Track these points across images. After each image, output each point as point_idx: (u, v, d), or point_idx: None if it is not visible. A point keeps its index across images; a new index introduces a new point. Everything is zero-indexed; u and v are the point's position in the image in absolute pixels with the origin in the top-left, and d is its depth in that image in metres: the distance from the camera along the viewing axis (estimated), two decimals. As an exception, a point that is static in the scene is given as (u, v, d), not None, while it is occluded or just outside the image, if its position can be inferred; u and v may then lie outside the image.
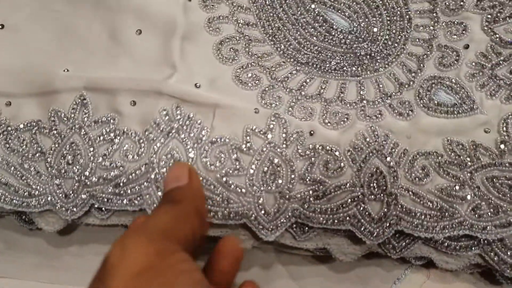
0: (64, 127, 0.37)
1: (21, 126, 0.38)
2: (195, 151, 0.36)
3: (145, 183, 0.36)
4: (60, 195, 0.36)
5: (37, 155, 0.37)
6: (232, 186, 0.36)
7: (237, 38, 0.41)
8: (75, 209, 0.36)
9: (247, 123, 0.37)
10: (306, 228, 0.37)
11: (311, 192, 0.36)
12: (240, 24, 0.42)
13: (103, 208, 0.37)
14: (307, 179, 0.36)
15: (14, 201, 0.36)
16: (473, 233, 0.35)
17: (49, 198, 0.36)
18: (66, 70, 0.39)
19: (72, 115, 0.37)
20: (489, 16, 0.41)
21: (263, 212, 0.35)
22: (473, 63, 0.40)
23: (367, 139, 0.37)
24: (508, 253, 0.36)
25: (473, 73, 0.40)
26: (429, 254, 0.37)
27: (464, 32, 0.41)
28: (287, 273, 0.41)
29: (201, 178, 0.36)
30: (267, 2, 0.43)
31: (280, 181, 0.36)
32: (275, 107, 0.39)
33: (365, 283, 0.40)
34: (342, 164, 0.36)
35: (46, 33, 0.41)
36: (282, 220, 0.36)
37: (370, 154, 0.36)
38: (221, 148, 0.37)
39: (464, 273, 0.40)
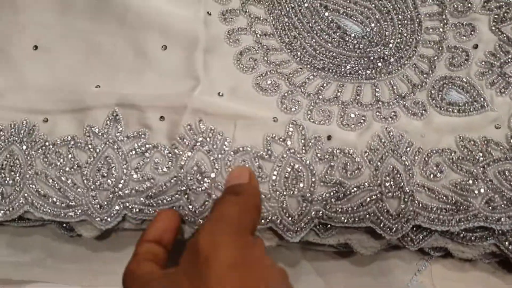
0: (98, 141, 0.40)
1: (58, 141, 0.40)
2: (220, 161, 0.39)
3: (176, 195, 0.38)
4: (96, 206, 0.39)
5: (74, 168, 0.40)
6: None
7: (255, 48, 0.45)
8: (109, 219, 0.39)
9: (267, 131, 0.40)
10: (329, 225, 0.40)
11: (332, 193, 0.38)
12: (258, 35, 0.45)
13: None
14: (328, 182, 0.39)
15: (53, 212, 0.39)
16: (488, 225, 0.38)
17: (85, 209, 0.39)
18: (97, 86, 0.42)
19: (106, 130, 0.41)
20: (496, 16, 0.44)
21: (287, 215, 0.38)
22: (483, 62, 0.43)
23: (383, 140, 0.40)
24: None
25: (483, 72, 0.43)
26: (445, 244, 0.40)
27: (472, 32, 0.44)
28: (312, 269, 0.44)
29: (221, 186, 0.39)
30: (282, 13, 0.46)
31: (301, 185, 0.38)
32: (294, 111, 0.42)
33: (387, 275, 0.43)
34: (360, 166, 0.39)
35: (75, 52, 0.44)
36: (305, 222, 0.38)
37: (386, 154, 0.39)
38: (244, 157, 0.39)
39: (482, 263, 0.42)
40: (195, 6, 0.45)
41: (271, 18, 0.46)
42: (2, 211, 0.39)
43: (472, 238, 0.39)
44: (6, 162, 0.40)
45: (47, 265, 0.44)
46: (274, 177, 0.39)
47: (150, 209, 0.39)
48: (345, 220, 0.38)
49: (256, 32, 0.45)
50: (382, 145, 0.40)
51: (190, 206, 0.38)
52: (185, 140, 0.40)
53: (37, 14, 0.45)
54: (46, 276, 0.43)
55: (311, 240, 0.41)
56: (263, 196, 0.38)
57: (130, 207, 0.39)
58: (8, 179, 0.39)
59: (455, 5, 0.46)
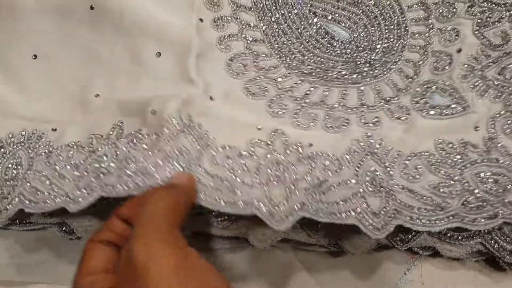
0: (98, 145, 0.43)
1: (63, 146, 0.44)
2: (203, 152, 0.41)
3: (153, 164, 0.39)
4: (75, 189, 0.40)
5: (69, 165, 0.42)
6: (240, 182, 0.40)
7: (246, 54, 0.48)
8: (81, 200, 0.40)
9: (251, 136, 0.43)
10: (319, 226, 0.42)
11: (315, 189, 0.40)
12: (248, 41, 0.49)
13: None
14: (310, 179, 0.40)
15: (36, 206, 0.41)
16: (464, 225, 0.40)
17: (63, 197, 0.40)
18: (97, 95, 0.46)
19: (109, 136, 0.43)
20: (479, 21, 0.47)
21: (272, 203, 0.39)
22: (465, 65, 0.46)
23: (362, 144, 0.43)
24: (507, 240, 0.41)
25: (465, 75, 0.46)
26: (434, 244, 0.43)
27: (457, 37, 0.47)
28: (304, 268, 0.46)
29: (209, 176, 0.39)
30: (272, 19, 0.49)
31: (286, 180, 0.40)
32: (281, 115, 0.45)
33: (377, 274, 0.45)
34: (340, 165, 0.42)
35: (73, 59, 0.47)
36: (290, 212, 0.38)
37: (366, 156, 0.42)
38: (228, 153, 0.41)
39: (470, 261, 0.45)
40: (188, 14, 0.48)
41: (261, 24, 0.49)
42: (3, 210, 0.42)
43: (459, 237, 0.42)
44: (11, 165, 0.44)
45: (48, 267, 0.46)
46: (258, 172, 0.40)
47: (129, 185, 0.39)
48: (330, 216, 0.39)
49: (247, 38, 0.49)
50: (361, 148, 0.43)
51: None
52: (169, 129, 0.41)
53: (36, 23, 0.48)
54: (47, 278, 0.46)
55: (303, 240, 0.43)
56: (247, 185, 0.39)
57: (107, 187, 0.39)
58: (9, 180, 0.43)
59: (441, 10, 0.48)
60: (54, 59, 0.48)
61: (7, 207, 0.42)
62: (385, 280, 0.45)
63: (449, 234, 0.42)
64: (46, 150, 0.44)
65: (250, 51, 0.48)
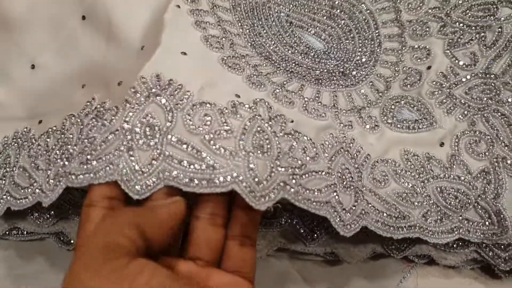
0: (69, 124, 0.41)
1: (41, 135, 0.43)
2: (176, 113, 0.37)
3: (115, 152, 0.36)
4: (46, 181, 0.39)
5: (43, 153, 0.41)
6: (220, 149, 0.36)
7: (222, 38, 0.46)
8: (50, 193, 0.38)
9: (230, 99, 0.39)
10: (315, 235, 0.43)
11: (295, 169, 0.37)
12: (225, 30, 0.48)
13: None
14: (291, 158, 0.38)
15: (17, 202, 0.40)
16: (423, 237, 0.41)
17: (37, 191, 0.39)
18: (83, 86, 0.47)
19: (80, 114, 0.41)
20: (450, 41, 0.49)
21: (253, 176, 0.35)
22: (434, 82, 0.47)
23: (336, 138, 0.42)
24: (502, 247, 0.43)
25: (433, 91, 0.47)
26: (429, 252, 0.44)
27: (428, 56, 0.49)
28: (300, 277, 0.47)
29: (184, 146, 0.36)
30: (249, 22, 0.50)
31: (269, 153, 0.37)
32: (259, 89, 0.43)
33: (373, 283, 0.47)
34: (317, 153, 0.40)
35: (71, 67, 0.48)
36: (272, 188, 0.35)
37: (339, 152, 0.41)
38: (207, 111, 0.37)
39: (465, 269, 0.46)
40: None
41: (239, 24, 0.49)
42: None
43: (454, 245, 0.44)
44: (2, 165, 0.44)
45: (46, 277, 0.47)
46: (241, 135, 0.37)
47: (90, 175, 0.35)
48: (306, 202, 0.37)
49: (224, 29, 0.48)
50: (336, 142, 0.42)
51: (134, 164, 0.35)
52: (137, 93, 0.37)
53: (30, 34, 0.49)
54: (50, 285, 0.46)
55: (299, 250, 0.44)
56: (228, 153, 0.35)
57: (71, 176, 0.36)
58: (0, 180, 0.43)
59: (414, 28, 0.50)
60: (51, 69, 0.49)
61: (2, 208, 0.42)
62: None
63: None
64: (29, 144, 0.44)
65: (227, 38, 0.47)
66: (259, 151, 0.36)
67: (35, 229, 0.45)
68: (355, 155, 0.43)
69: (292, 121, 0.41)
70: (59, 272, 0.47)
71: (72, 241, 0.45)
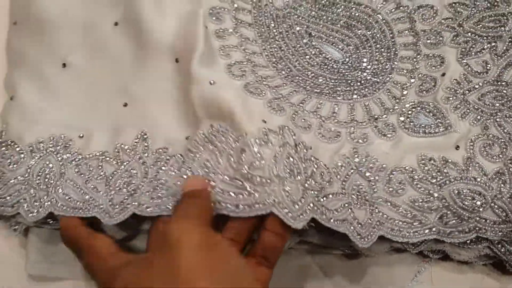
0: (126, 157, 0.48)
1: (90, 155, 0.49)
2: (223, 156, 0.45)
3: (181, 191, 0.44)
4: (109, 204, 0.46)
5: (100, 177, 0.48)
6: (257, 178, 0.42)
7: (244, 62, 0.52)
8: (116, 216, 0.45)
9: (260, 126, 0.45)
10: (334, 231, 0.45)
11: (317, 192, 0.44)
12: (247, 53, 0.52)
13: None
14: (313, 182, 0.44)
15: (70, 211, 0.46)
16: (440, 238, 0.45)
17: (98, 208, 0.46)
18: (125, 105, 0.50)
19: (134, 147, 0.49)
20: (463, 49, 0.52)
21: (289, 199, 0.41)
22: (448, 88, 0.50)
23: (348, 159, 0.47)
24: None
25: (448, 97, 0.50)
26: (443, 247, 0.47)
27: (442, 63, 0.52)
28: (320, 271, 0.50)
29: (230, 180, 0.43)
30: (270, 36, 0.54)
31: (299, 177, 0.43)
32: (281, 114, 0.48)
33: (389, 277, 0.49)
34: (331, 177, 0.46)
35: (101, 70, 0.52)
36: (305, 209, 0.42)
37: (351, 171, 0.47)
38: (243, 146, 0.44)
39: (478, 264, 0.48)
40: (196, 22, 0.50)
41: (260, 40, 0.54)
42: (34, 213, 0.46)
43: (468, 241, 0.45)
44: (42, 170, 0.48)
45: (77, 264, 0.48)
46: (274, 162, 0.43)
47: (161, 208, 0.44)
48: (328, 220, 0.43)
49: (246, 51, 0.52)
50: (348, 163, 0.47)
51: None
52: (197, 142, 0.46)
53: (63, 35, 0.52)
54: (76, 274, 0.50)
55: (320, 243, 0.47)
56: (264, 180, 0.42)
57: (141, 206, 0.45)
58: (42, 185, 0.47)
59: (428, 37, 0.53)
60: (82, 68, 0.52)
61: (39, 210, 0.46)
62: (397, 282, 0.50)
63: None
64: (75, 158, 0.49)
65: (248, 61, 0.52)
66: (291, 176, 0.43)
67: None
68: (369, 169, 0.47)
69: (311, 148, 0.47)
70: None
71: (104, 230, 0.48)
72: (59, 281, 0.50)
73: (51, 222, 0.48)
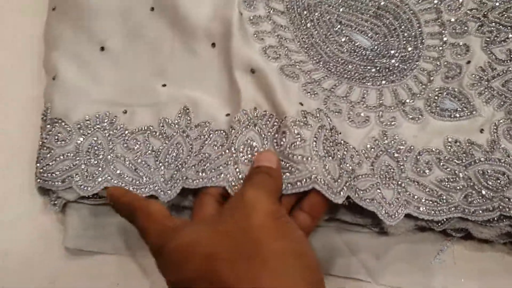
0: (170, 131, 0.51)
1: (136, 130, 0.52)
2: (268, 138, 0.48)
3: (224, 164, 0.47)
4: (162, 181, 0.49)
5: (148, 152, 0.50)
6: (298, 157, 0.45)
7: (278, 47, 0.55)
8: (169, 192, 0.48)
9: (299, 108, 0.49)
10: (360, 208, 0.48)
11: (350, 173, 0.47)
12: (280, 39, 0.55)
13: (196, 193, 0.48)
14: (344, 163, 0.47)
15: (127, 188, 0.48)
16: (464, 216, 0.47)
17: (154, 186, 0.49)
18: (164, 85, 0.53)
19: (177, 122, 0.51)
20: (487, 39, 0.54)
21: (330, 176, 0.44)
22: (473, 75, 0.53)
23: (377, 141, 0.50)
24: None
25: (473, 83, 0.53)
26: (466, 226, 0.48)
27: (467, 52, 0.54)
28: (346, 248, 0.51)
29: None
30: (302, 23, 0.57)
31: (335, 158, 0.46)
32: (314, 97, 0.52)
33: (413, 254, 0.51)
34: (360, 159, 0.49)
35: (138, 53, 0.54)
36: (344, 185, 0.45)
37: (380, 152, 0.49)
38: (284, 128, 0.47)
39: (498, 243, 0.50)
40: (231, 8, 0.53)
41: (292, 27, 0.56)
42: (87, 187, 0.49)
43: (490, 219, 0.47)
44: (91, 146, 0.50)
45: (114, 239, 0.52)
46: (314, 143, 0.46)
47: (205, 180, 0.47)
48: (359, 199, 0.46)
49: (279, 36, 0.55)
50: (377, 144, 0.50)
51: (238, 174, 0.46)
52: (240, 120, 0.49)
53: (100, 21, 0.55)
54: (112, 249, 0.52)
55: (348, 220, 0.49)
56: (305, 159, 0.45)
57: (188, 180, 0.47)
58: (92, 160, 0.50)
59: (454, 27, 0.56)
60: (120, 52, 0.55)
61: (93, 184, 0.49)
62: (420, 259, 0.51)
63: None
64: (122, 133, 0.51)
65: (282, 46, 0.55)
66: (329, 156, 0.46)
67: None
68: (398, 150, 0.50)
69: (340, 133, 0.50)
70: (124, 236, 0.53)
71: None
72: (95, 254, 0.53)
73: (90, 197, 0.51)
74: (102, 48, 0.55)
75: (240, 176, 0.46)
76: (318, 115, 0.49)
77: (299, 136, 0.46)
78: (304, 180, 0.44)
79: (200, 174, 0.48)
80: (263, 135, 0.49)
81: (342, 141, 0.49)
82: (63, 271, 0.52)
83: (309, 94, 0.52)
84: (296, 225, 0.41)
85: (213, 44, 0.53)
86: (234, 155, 0.48)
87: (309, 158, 0.45)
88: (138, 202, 0.43)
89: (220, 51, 0.52)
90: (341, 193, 0.44)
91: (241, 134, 0.49)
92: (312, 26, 0.57)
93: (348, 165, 0.48)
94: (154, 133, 0.51)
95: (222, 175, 0.47)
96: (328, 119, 0.50)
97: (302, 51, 0.56)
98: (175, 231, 0.39)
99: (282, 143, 0.47)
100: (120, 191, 0.45)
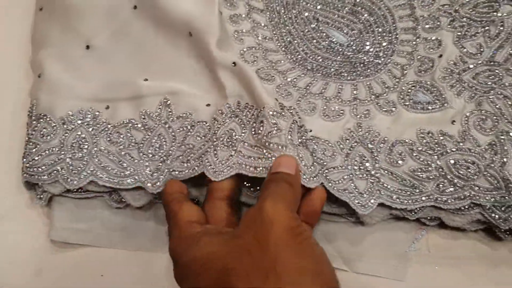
0: (152, 123, 0.53)
1: (118, 123, 0.53)
2: (247, 127, 0.50)
3: (206, 153, 0.49)
4: (148, 173, 0.51)
5: (131, 144, 0.52)
6: (274, 145, 0.47)
7: (256, 48, 0.57)
8: (158, 183, 0.50)
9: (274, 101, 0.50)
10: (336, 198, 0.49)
11: (322, 166, 0.49)
12: (259, 38, 0.57)
13: None
14: (316, 157, 0.50)
15: (113, 181, 0.50)
16: (437, 205, 0.49)
17: (139, 177, 0.50)
18: (145, 80, 0.54)
19: (158, 113, 0.53)
20: (459, 33, 0.56)
21: (303, 163, 0.47)
22: (445, 68, 0.54)
23: (352, 132, 0.52)
24: (502, 209, 0.48)
25: (444, 76, 0.54)
26: (439, 214, 0.50)
27: (439, 46, 0.56)
28: (323, 237, 0.53)
29: (251, 147, 0.48)
30: (281, 21, 0.58)
31: (308, 149, 0.49)
32: (287, 98, 0.54)
33: (388, 243, 0.52)
34: (334, 152, 0.51)
35: (123, 50, 0.56)
36: (316, 172, 0.47)
37: (355, 144, 0.51)
38: (262, 118, 0.49)
39: (470, 231, 0.51)
40: (211, 6, 0.54)
41: (271, 25, 0.58)
42: (73, 181, 0.50)
43: (462, 207, 0.49)
44: (75, 141, 0.52)
45: (98, 232, 0.54)
46: (290, 132, 0.48)
47: (190, 170, 0.49)
48: (332, 190, 0.48)
49: (257, 35, 0.57)
50: (352, 136, 0.52)
51: (215, 159, 0.48)
52: (223, 114, 0.51)
53: (86, 20, 0.56)
54: (97, 241, 0.54)
55: (324, 210, 0.51)
56: (280, 147, 0.47)
57: (174, 171, 0.50)
58: (77, 154, 0.51)
59: (427, 22, 0.57)
60: (105, 50, 0.56)
61: (79, 178, 0.51)
62: (395, 248, 0.53)
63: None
64: (105, 128, 0.53)
65: (260, 46, 0.57)
66: (304, 145, 0.49)
67: (92, 188, 0.52)
68: (372, 142, 0.51)
69: (311, 130, 0.52)
70: (109, 229, 0.54)
71: (123, 200, 0.52)
72: (80, 247, 0.54)
73: (75, 191, 0.52)
74: (88, 47, 0.56)
75: (217, 161, 0.48)
76: (291, 111, 0.51)
77: (276, 125, 0.48)
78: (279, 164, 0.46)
79: (185, 164, 0.50)
80: (243, 125, 0.50)
81: (311, 137, 0.51)
82: (49, 263, 0.54)
83: (282, 96, 0.54)
84: (315, 240, 0.40)
85: (190, 33, 0.54)
86: (214, 143, 0.49)
87: (284, 147, 0.47)
88: (173, 206, 0.44)
89: (199, 45, 0.54)
90: (315, 178, 0.47)
91: (223, 125, 0.51)
92: (290, 24, 0.58)
93: (319, 158, 0.50)
94: (136, 125, 0.53)
95: (203, 162, 0.48)
96: (299, 118, 0.52)
97: (280, 49, 0.57)
98: (193, 240, 0.40)
99: (259, 131, 0.48)
100: (170, 188, 0.47)
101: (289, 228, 0.37)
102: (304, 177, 0.46)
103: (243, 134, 0.50)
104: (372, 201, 0.49)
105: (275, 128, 0.48)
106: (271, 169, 0.45)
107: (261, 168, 0.47)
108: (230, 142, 0.49)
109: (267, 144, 0.48)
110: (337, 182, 0.49)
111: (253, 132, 0.49)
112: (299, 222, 0.39)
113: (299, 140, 0.49)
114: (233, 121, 0.51)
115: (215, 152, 0.49)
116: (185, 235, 0.41)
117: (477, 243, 0.52)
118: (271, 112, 0.49)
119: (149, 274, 0.54)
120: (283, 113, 0.50)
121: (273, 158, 0.47)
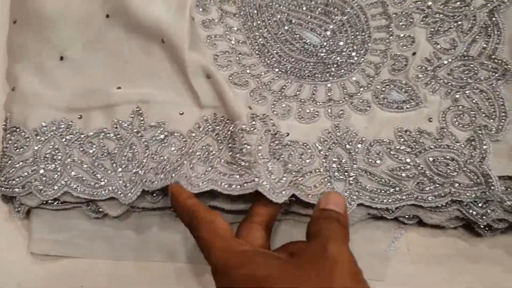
0: (124, 132, 0.52)
1: (91, 133, 0.53)
2: (224, 143, 0.50)
3: (182, 165, 0.48)
4: (121, 184, 0.50)
5: (104, 154, 0.52)
6: (245, 162, 0.47)
7: (229, 52, 0.56)
8: (130, 194, 0.50)
9: (248, 111, 0.51)
10: None
11: (297, 173, 0.49)
12: (232, 42, 0.57)
13: (154, 194, 0.51)
14: (291, 164, 0.50)
15: (87, 191, 0.51)
16: (417, 203, 0.48)
17: (113, 188, 0.50)
18: (118, 88, 0.54)
19: (130, 122, 0.53)
20: (432, 29, 0.55)
21: (273, 178, 0.47)
22: (419, 66, 0.54)
23: (330, 133, 0.51)
24: (479, 205, 0.48)
25: (418, 75, 0.54)
26: (417, 212, 0.50)
27: (412, 43, 0.55)
28: (303, 238, 0.50)
29: (227, 164, 0.49)
30: (254, 24, 0.58)
31: (280, 160, 0.49)
32: (262, 103, 0.53)
33: (367, 243, 0.52)
34: (312, 154, 0.50)
35: (97, 59, 0.55)
36: (286, 186, 0.47)
37: (333, 145, 0.51)
38: (233, 135, 0.49)
39: (449, 228, 0.51)
40: (183, 12, 0.54)
41: (244, 29, 0.58)
42: (47, 192, 0.50)
43: (439, 205, 0.49)
44: (48, 152, 0.52)
45: (78, 242, 0.54)
46: (260, 147, 0.48)
47: (163, 181, 0.48)
48: (307, 198, 0.48)
49: (231, 40, 0.57)
50: (330, 137, 0.51)
51: (191, 172, 0.48)
52: (200, 128, 0.52)
53: (60, 31, 0.55)
54: (77, 252, 0.54)
55: (302, 213, 0.51)
56: (251, 164, 0.47)
57: (147, 182, 0.49)
58: (50, 165, 0.51)
59: (400, 20, 0.57)
60: (79, 60, 0.56)
61: (53, 189, 0.51)
62: (374, 248, 0.53)
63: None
64: (77, 138, 0.53)
65: (233, 50, 0.57)
66: (275, 158, 0.49)
67: (70, 199, 0.52)
68: (350, 141, 0.51)
69: (288, 134, 0.52)
70: (88, 239, 0.54)
71: (100, 210, 0.52)
72: (60, 258, 0.54)
73: (52, 203, 0.52)
74: (62, 58, 0.56)
75: (193, 174, 0.48)
76: (264, 119, 0.51)
77: (245, 143, 0.48)
78: (250, 183, 0.46)
79: (159, 175, 0.49)
80: (219, 140, 0.51)
81: (289, 142, 0.51)
82: (29, 276, 0.54)
83: (256, 101, 0.54)
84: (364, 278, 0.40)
85: (162, 40, 0.54)
86: (191, 157, 0.49)
87: (254, 163, 0.47)
88: (204, 212, 0.43)
89: (172, 51, 0.53)
90: (283, 192, 0.47)
91: (200, 140, 0.51)
92: (263, 26, 0.58)
93: (296, 165, 0.50)
94: (108, 135, 0.53)
95: (178, 173, 0.48)
96: (273, 125, 0.51)
97: (254, 53, 0.57)
98: (244, 256, 0.39)
99: (233, 149, 0.49)
100: (182, 192, 0.46)
101: (354, 272, 0.38)
102: (272, 192, 0.46)
103: (220, 150, 0.50)
104: (351, 203, 0.49)
105: (246, 146, 0.48)
106: (319, 204, 0.44)
107: (235, 186, 0.47)
108: (207, 158, 0.50)
109: (239, 161, 0.48)
110: (313, 187, 0.49)
111: (229, 149, 0.49)
112: (359, 268, 0.39)
113: (273, 151, 0.49)
114: (209, 136, 0.51)
115: (191, 166, 0.49)
116: (233, 249, 0.40)
117: (457, 240, 0.52)
118: (240, 129, 0.49)
119: (131, 283, 0.53)
120: (253, 126, 0.50)
121: (246, 176, 0.47)
